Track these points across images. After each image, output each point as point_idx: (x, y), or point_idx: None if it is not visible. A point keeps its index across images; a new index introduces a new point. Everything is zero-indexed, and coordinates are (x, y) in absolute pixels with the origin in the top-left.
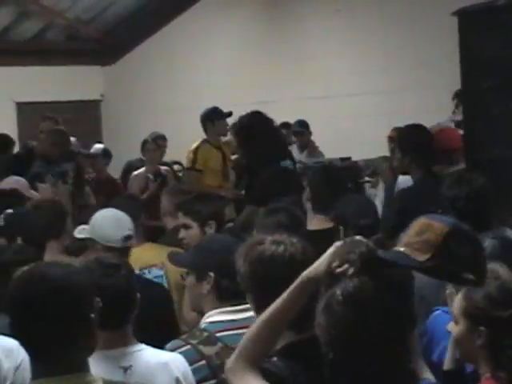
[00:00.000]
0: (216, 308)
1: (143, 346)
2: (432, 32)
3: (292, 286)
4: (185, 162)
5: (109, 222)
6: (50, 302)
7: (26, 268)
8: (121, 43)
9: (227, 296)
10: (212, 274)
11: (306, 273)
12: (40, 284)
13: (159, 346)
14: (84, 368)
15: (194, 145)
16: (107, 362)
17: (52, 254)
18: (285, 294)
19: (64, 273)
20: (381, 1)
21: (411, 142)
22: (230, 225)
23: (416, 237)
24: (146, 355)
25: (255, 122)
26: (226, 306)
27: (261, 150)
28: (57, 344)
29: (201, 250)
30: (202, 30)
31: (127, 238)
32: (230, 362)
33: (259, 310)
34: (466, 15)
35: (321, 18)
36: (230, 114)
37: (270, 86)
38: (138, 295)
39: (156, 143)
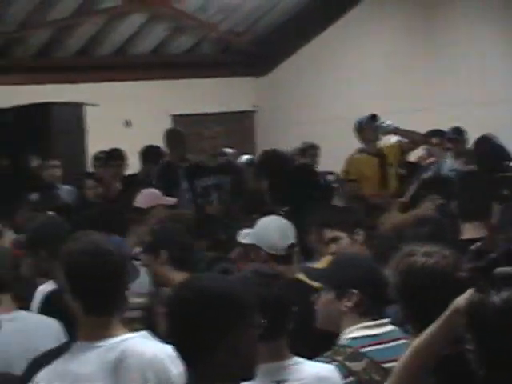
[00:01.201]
0: (356, 324)
1: (299, 359)
2: None
3: (441, 317)
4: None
5: (273, 230)
6: (190, 309)
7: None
8: (273, 54)
9: (369, 313)
10: (355, 291)
11: (455, 302)
12: (184, 290)
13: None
14: (232, 380)
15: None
16: (262, 377)
17: None
18: (434, 325)
19: (212, 283)
20: None
21: None
22: None
23: None
24: (302, 369)
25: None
26: (366, 322)
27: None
28: (197, 352)
29: (341, 266)
30: (354, 39)
31: (291, 246)
32: None
33: (407, 320)
34: None
35: (474, 23)
36: (374, 118)
37: (423, 92)
38: (295, 307)
39: (305, 153)
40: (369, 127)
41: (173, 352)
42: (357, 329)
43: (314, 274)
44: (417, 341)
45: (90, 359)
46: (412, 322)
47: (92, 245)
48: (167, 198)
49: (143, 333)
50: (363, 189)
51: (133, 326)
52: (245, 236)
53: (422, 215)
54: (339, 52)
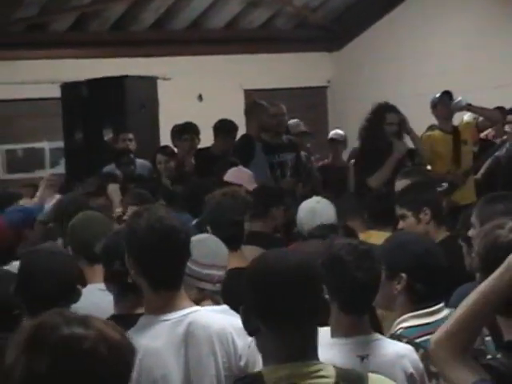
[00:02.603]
0: (408, 311)
1: (379, 335)
2: None
3: (498, 269)
4: None
5: (304, 212)
6: (273, 281)
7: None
8: (348, 29)
9: (420, 299)
10: (404, 275)
11: (510, 257)
12: (264, 264)
13: None
14: (313, 356)
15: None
16: (345, 350)
17: None
18: (487, 280)
19: (292, 257)
20: None
21: None
22: None
23: None
24: (384, 345)
25: None
26: (420, 309)
27: None
28: (281, 327)
29: (397, 246)
30: (430, 15)
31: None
32: (433, 342)
33: None
34: None
35: None
36: (448, 94)
37: (504, 69)
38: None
39: None
40: (442, 104)
41: (240, 324)
42: (409, 317)
43: None
44: (470, 296)
45: (159, 333)
46: None
47: (157, 222)
48: (252, 183)
49: (224, 307)
50: (435, 166)
51: (215, 299)
52: None
53: (495, 193)
54: (414, 28)
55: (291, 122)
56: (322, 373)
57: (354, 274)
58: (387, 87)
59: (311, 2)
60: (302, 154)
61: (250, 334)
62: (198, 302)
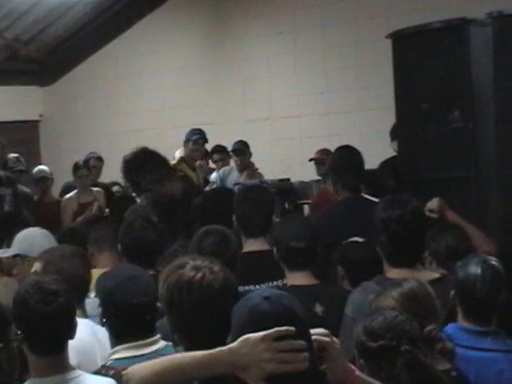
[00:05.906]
0: (117, 345)
1: (80, 372)
2: (371, 55)
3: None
4: None
5: (39, 237)
6: None
7: None
8: (60, 64)
9: (121, 334)
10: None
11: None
12: None
13: None
14: None
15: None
16: None
17: None
18: (200, 358)
19: None
20: (322, 24)
21: (336, 164)
22: None
23: None
24: (84, 382)
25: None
26: (129, 342)
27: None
28: None
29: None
30: (143, 52)
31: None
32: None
33: (174, 333)
34: (400, 37)
35: (263, 40)
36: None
37: (212, 107)
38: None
39: (89, 165)
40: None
41: None
42: (122, 349)
43: None
44: (179, 364)
45: None
46: (178, 335)
47: None
48: None
49: None
50: None
51: None
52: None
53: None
54: (128, 63)
55: (11, 156)
56: None
57: (34, 312)
58: (102, 122)
59: (23, 35)
60: (24, 189)
61: None
62: None
